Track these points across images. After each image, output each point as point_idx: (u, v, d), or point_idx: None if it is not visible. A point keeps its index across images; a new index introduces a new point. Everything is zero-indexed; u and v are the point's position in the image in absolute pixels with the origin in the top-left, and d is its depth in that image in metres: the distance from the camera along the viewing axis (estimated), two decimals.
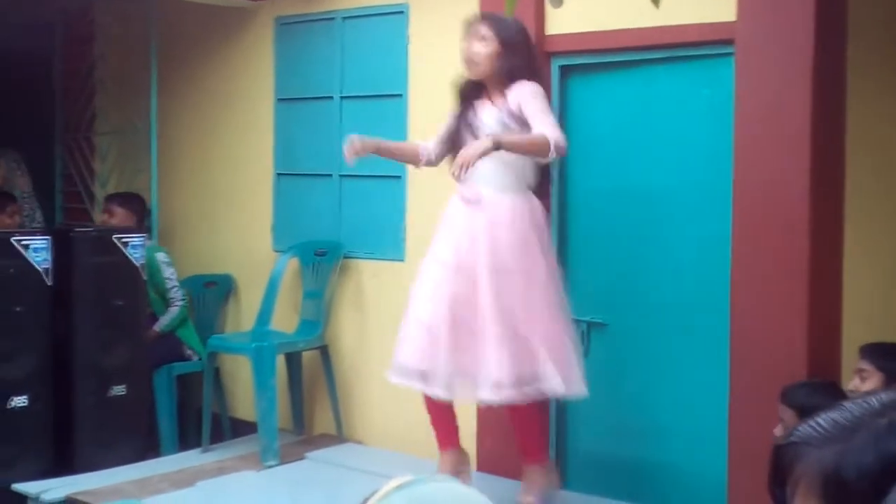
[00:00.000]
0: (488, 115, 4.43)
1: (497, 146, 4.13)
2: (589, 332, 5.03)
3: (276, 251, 6.09)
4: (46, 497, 4.96)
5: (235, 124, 6.46)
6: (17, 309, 5.25)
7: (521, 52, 4.43)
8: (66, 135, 7.33)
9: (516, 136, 4.28)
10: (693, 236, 4.71)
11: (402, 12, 5.59)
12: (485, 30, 4.42)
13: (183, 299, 6.19)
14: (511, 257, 4.32)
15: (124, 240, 5.62)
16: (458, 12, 5.31)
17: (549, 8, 4.94)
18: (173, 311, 6.16)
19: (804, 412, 3.56)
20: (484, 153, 4.11)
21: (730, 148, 4.44)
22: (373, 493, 1.28)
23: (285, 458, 5.42)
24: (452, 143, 4.54)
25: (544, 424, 4.83)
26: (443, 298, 4.35)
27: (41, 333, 5.35)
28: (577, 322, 5.05)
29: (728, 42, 4.44)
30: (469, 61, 4.45)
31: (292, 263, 5.91)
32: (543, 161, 4.34)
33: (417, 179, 5.50)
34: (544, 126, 4.27)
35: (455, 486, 1.30)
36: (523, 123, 4.34)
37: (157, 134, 6.59)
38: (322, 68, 5.98)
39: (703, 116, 4.68)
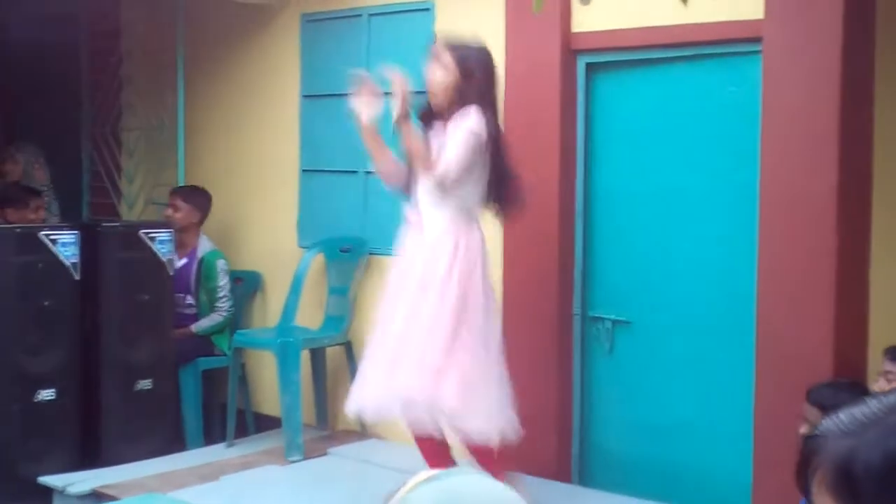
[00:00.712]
0: (435, 142, 4.42)
1: (401, 121, 4.23)
2: (613, 330, 5.03)
3: (302, 247, 6.11)
4: (73, 490, 5.01)
5: (261, 121, 6.48)
6: (46, 303, 5.29)
7: (479, 82, 4.38)
8: (94, 130, 7.38)
9: (416, 137, 4.31)
10: (719, 234, 4.70)
11: (427, 9, 5.60)
12: (447, 58, 4.39)
13: (229, 311, 6.21)
14: (433, 281, 4.29)
15: (151, 235, 5.66)
16: (484, 8, 5.34)
17: (575, 5, 4.95)
18: (216, 317, 6.18)
19: (829, 411, 3.52)
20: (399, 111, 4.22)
21: (757, 146, 4.43)
22: (401, 486, 1.29)
23: (309, 453, 5.44)
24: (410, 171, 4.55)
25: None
26: (387, 323, 4.45)
27: (69, 328, 5.39)
28: (602, 320, 5.06)
29: (755, 40, 4.43)
30: (429, 90, 4.44)
31: (317, 260, 5.93)
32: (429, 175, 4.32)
33: None
34: (447, 156, 4.26)
35: (482, 479, 1.31)
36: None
37: (184, 130, 6.63)
38: (348, 65, 5.96)
39: (729, 114, 4.66)
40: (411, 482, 1.29)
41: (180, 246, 6.18)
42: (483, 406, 4.30)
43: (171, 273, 5.81)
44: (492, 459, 4.37)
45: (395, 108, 4.26)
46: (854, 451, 1.24)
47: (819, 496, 1.26)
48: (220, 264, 6.22)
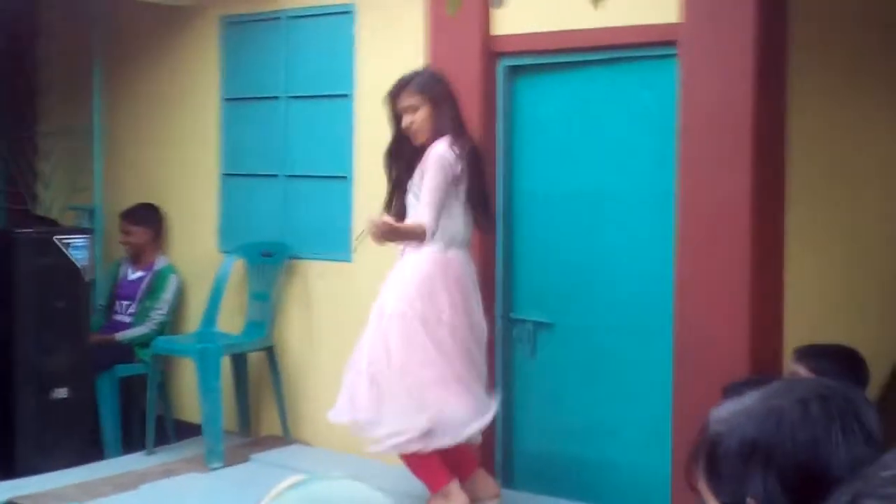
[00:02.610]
0: (416, 177, 4.49)
1: (383, 240, 4.33)
2: (535, 332, 5.05)
3: (223, 252, 6.05)
4: None
5: (181, 124, 6.40)
6: None
7: (449, 104, 4.50)
8: (10, 135, 7.22)
9: (400, 229, 4.38)
10: (637, 237, 4.75)
11: (348, 12, 5.58)
12: (411, 98, 4.48)
13: (159, 324, 6.13)
14: (393, 302, 4.42)
15: (66, 241, 5.56)
16: (405, 13, 5.33)
17: (493, 8, 4.97)
18: (142, 329, 6.10)
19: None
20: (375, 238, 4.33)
21: (673, 149, 4.48)
22: (267, 495, 1.28)
23: (230, 460, 5.38)
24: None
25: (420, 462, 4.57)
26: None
27: None
28: (523, 322, 5.08)
29: (670, 44, 4.48)
30: (415, 135, 4.50)
31: (238, 264, 5.87)
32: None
33: (364, 180, 5.49)
34: (423, 206, 4.37)
35: (350, 484, 1.29)
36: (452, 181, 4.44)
37: (102, 134, 6.52)
38: (268, 68, 5.94)
39: (646, 117, 4.71)
40: (276, 489, 1.28)
41: (137, 262, 6.32)
42: (391, 412, 4.38)
43: (88, 279, 5.72)
44: (427, 466, 4.44)
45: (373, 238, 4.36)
46: (719, 435, 1.34)
47: (699, 477, 1.37)
48: (172, 279, 6.19)
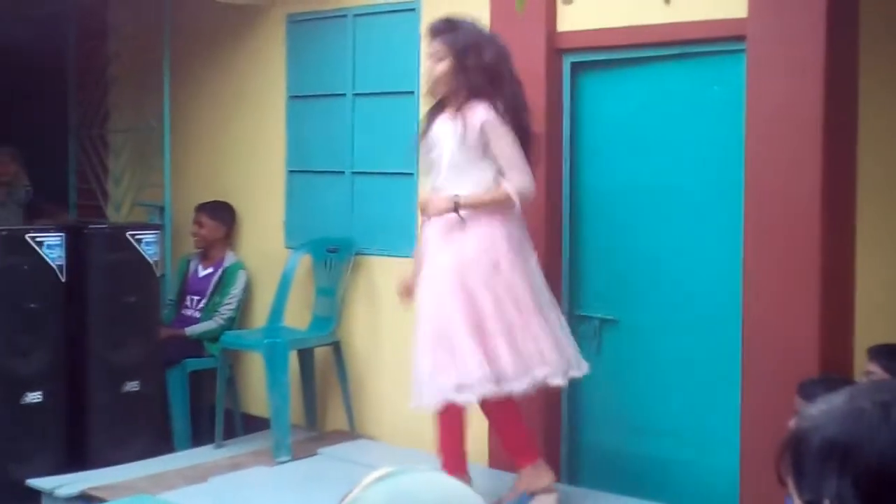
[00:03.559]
0: (444, 131, 4.43)
1: (456, 207, 4.27)
2: (601, 329, 5.04)
3: (289, 248, 6.11)
4: (61, 492, 4.99)
5: (248, 122, 6.47)
6: (32, 305, 5.29)
7: (478, 60, 4.36)
8: (80, 132, 7.36)
9: (477, 197, 4.33)
10: (705, 233, 4.71)
11: (413, 9, 5.60)
12: (438, 46, 4.39)
13: (226, 320, 6.21)
14: (448, 261, 4.35)
15: (138, 236, 5.66)
16: (469, 8, 5.33)
17: (560, 4, 4.96)
18: (210, 323, 6.19)
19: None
20: (444, 212, 4.29)
21: (741, 145, 4.44)
22: (355, 486, 1.30)
23: (298, 454, 5.44)
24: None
25: (529, 424, 4.67)
26: (421, 312, 4.48)
27: (55, 330, 5.39)
28: (589, 318, 5.07)
29: (739, 38, 4.44)
30: (432, 85, 4.46)
31: (305, 260, 5.93)
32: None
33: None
34: (511, 171, 4.33)
35: (435, 476, 1.31)
36: (483, 144, 4.35)
37: (171, 131, 6.62)
38: (334, 65, 5.99)
39: (714, 113, 4.67)
40: (364, 481, 1.30)
41: (206, 259, 6.41)
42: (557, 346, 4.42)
43: (159, 275, 5.82)
44: (517, 430, 4.56)
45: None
46: (804, 432, 1.33)
47: (786, 473, 1.36)
48: (241, 274, 6.28)
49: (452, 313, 4.30)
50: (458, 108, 4.39)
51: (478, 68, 4.34)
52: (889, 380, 1.37)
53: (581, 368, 4.51)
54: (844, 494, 1.28)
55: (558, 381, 4.40)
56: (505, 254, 4.37)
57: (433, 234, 4.48)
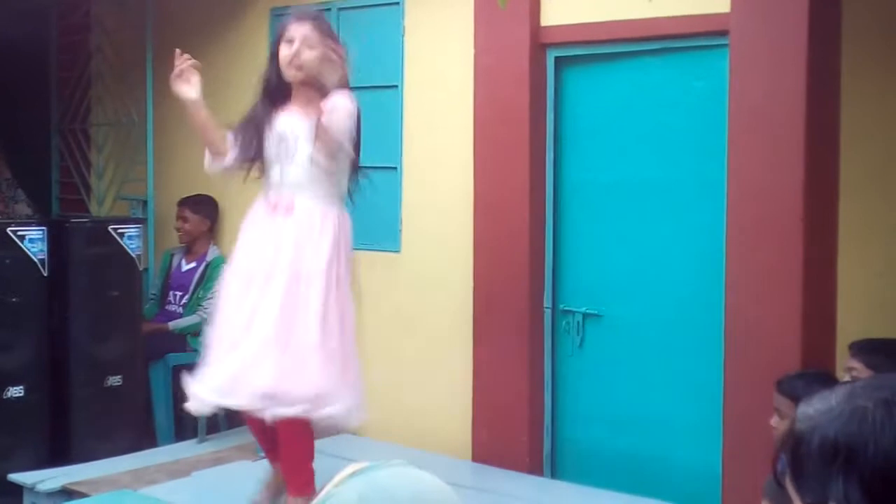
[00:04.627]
0: (298, 126, 4.17)
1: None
2: (584, 323, 5.05)
3: None
4: (43, 487, 4.96)
5: (232, 115, 6.41)
6: (14, 299, 5.26)
7: (341, 53, 4.16)
8: (62, 125, 7.33)
9: (332, 130, 4.03)
10: (687, 227, 4.73)
11: (397, 3, 5.59)
12: (310, 33, 4.14)
13: (209, 314, 6.16)
14: (317, 265, 4.08)
15: (120, 231, 5.63)
16: (453, 3, 5.34)
17: None
18: (194, 318, 6.17)
19: (801, 401, 3.56)
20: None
21: (724, 139, 4.45)
22: (329, 482, 1.29)
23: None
24: (254, 149, 4.30)
25: (310, 452, 4.41)
26: (233, 311, 4.16)
27: (37, 324, 5.36)
28: (572, 313, 5.07)
29: (722, 33, 4.45)
30: (294, 66, 4.15)
31: None
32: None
33: (413, 171, 5.51)
34: (338, 122, 4.04)
35: (412, 471, 1.30)
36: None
37: (153, 125, 6.59)
38: None
39: (697, 108, 4.68)
40: (339, 476, 1.29)
41: (190, 253, 6.39)
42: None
43: (141, 269, 5.80)
44: (305, 454, 4.34)
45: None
46: (803, 433, 1.31)
47: (784, 474, 1.34)
48: (223, 269, 6.22)
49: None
50: (311, 101, 4.15)
51: (342, 65, 4.14)
52: (886, 376, 1.35)
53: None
54: (851, 496, 1.26)
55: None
56: None
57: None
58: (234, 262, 4.29)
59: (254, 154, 4.30)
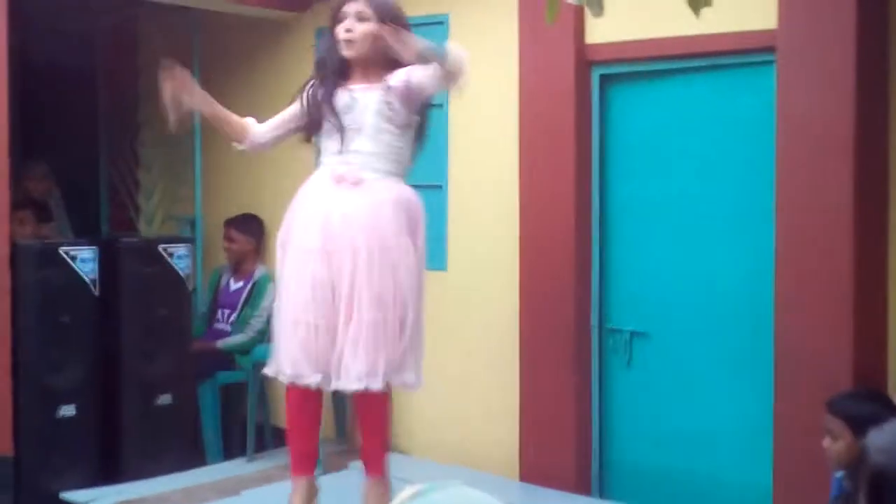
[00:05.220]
0: (363, 93, 4.08)
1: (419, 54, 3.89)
2: (631, 342, 5.03)
3: None
4: None
5: None
6: (65, 319, 5.32)
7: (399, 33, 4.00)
8: (111, 146, 7.42)
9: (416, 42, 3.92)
10: (735, 244, 4.69)
11: (442, 23, 5.61)
12: (362, 7, 4.09)
13: (258, 332, 6.22)
14: (392, 238, 4.01)
15: (170, 250, 5.69)
16: (498, 20, 5.35)
17: (589, 17, 4.96)
18: (241, 337, 6.22)
19: (854, 422, 3.53)
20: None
21: (772, 156, 4.42)
22: None
23: (329, 467, 5.45)
24: (308, 124, 4.24)
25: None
26: (308, 287, 4.02)
27: (88, 343, 5.42)
28: (620, 331, 5.05)
29: (769, 50, 4.43)
30: (347, 40, 4.08)
31: None
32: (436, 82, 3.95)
33: (458, 188, 5.52)
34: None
35: (469, 491, 1.30)
36: (409, 104, 4.06)
37: (201, 145, 6.66)
38: None
39: (744, 125, 4.66)
40: (397, 499, 1.29)
41: (238, 272, 6.44)
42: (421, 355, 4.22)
43: (190, 288, 5.85)
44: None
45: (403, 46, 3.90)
46: (886, 467, 1.30)
47: (840, 498, 1.34)
48: (270, 287, 6.26)
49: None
50: (377, 75, 4.11)
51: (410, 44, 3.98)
52: None
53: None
54: None
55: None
56: None
57: None
58: (298, 233, 4.14)
59: (311, 126, 4.24)
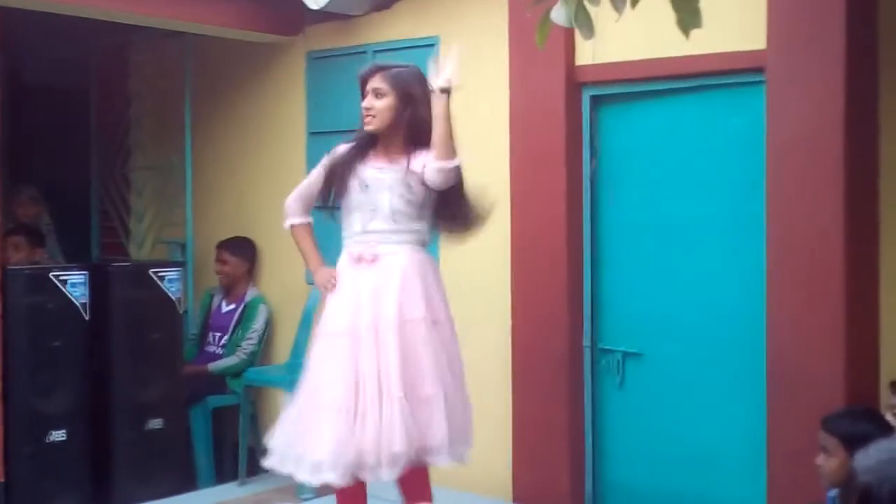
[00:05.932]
0: (381, 172, 4.11)
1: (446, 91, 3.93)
2: (624, 362, 5.02)
3: (310, 283, 6.11)
4: None
5: (269, 158, 6.51)
6: (56, 344, 5.31)
7: (421, 103, 4.08)
8: (103, 170, 7.43)
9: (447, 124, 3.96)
10: (726, 264, 4.70)
11: (432, 45, 5.63)
12: (379, 82, 4.13)
13: (249, 355, 6.23)
14: (416, 312, 4.01)
15: (160, 274, 5.68)
16: (488, 43, 5.37)
17: (579, 38, 4.98)
18: (233, 359, 6.22)
19: (848, 440, 3.54)
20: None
21: (762, 176, 4.44)
22: None
23: (321, 491, 5.40)
24: (335, 192, 4.27)
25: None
26: (348, 375, 3.95)
27: (79, 368, 5.41)
28: (612, 352, 5.05)
29: (758, 70, 4.45)
30: (365, 115, 4.14)
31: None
32: (445, 167, 3.98)
33: None
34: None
35: None
36: (427, 186, 4.08)
37: (192, 169, 6.67)
38: (353, 102, 5.95)
39: (734, 145, 4.67)
40: None
41: (230, 295, 6.45)
42: (469, 425, 4.19)
43: (181, 311, 5.84)
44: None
45: (446, 74, 3.93)
46: (871, 485, 1.30)
47: None
48: (262, 309, 6.31)
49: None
50: (400, 150, 4.14)
51: (423, 109, 4.07)
52: None
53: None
54: None
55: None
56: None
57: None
58: (324, 323, 4.14)
59: (332, 201, 4.30)
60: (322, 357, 4.05)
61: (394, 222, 4.09)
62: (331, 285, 4.14)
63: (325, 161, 4.31)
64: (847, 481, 3.42)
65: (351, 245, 4.16)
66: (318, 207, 4.46)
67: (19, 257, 6.25)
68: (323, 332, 4.11)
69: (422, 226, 4.17)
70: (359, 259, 4.10)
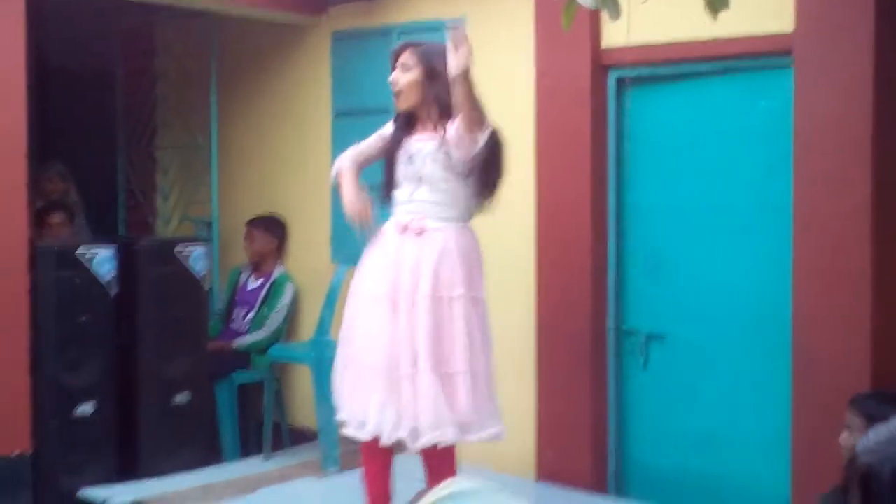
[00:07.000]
0: (423, 143, 4.18)
1: (465, 73, 3.91)
2: (648, 344, 5.05)
3: (335, 262, 6.16)
4: (113, 502, 5.06)
5: (294, 138, 6.55)
6: (83, 319, 5.36)
7: (445, 80, 4.04)
8: (129, 148, 7.48)
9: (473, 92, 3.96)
10: (753, 247, 4.71)
11: (457, 27, 5.63)
12: (407, 57, 4.21)
13: (275, 332, 6.29)
14: (456, 288, 4.06)
15: (186, 251, 5.73)
16: (514, 24, 5.39)
17: (605, 20, 4.99)
18: (257, 335, 6.27)
19: (873, 421, 3.56)
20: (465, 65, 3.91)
21: (789, 159, 4.45)
22: (420, 496, 1.31)
23: (346, 465, 5.47)
24: (385, 174, 4.33)
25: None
26: (386, 337, 4.05)
27: (105, 343, 5.46)
28: (636, 333, 5.08)
29: (786, 53, 4.45)
30: (394, 92, 4.23)
31: (351, 274, 5.97)
32: (473, 141, 4.02)
33: None
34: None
35: (502, 498, 1.32)
36: (465, 153, 4.08)
37: (218, 148, 6.71)
38: (379, 82, 5.99)
39: (761, 128, 4.68)
40: (431, 495, 1.30)
41: (257, 271, 6.50)
42: (495, 404, 4.23)
43: (206, 288, 5.89)
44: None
45: (459, 59, 3.90)
46: (870, 466, 1.32)
47: None
48: (288, 286, 6.36)
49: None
50: (434, 123, 4.18)
51: (446, 85, 4.07)
52: None
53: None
54: None
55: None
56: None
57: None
58: (364, 283, 4.23)
59: (386, 179, 4.34)
60: (363, 317, 4.15)
61: (439, 192, 4.15)
62: (360, 216, 4.17)
63: (380, 132, 4.40)
64: (848, 463, 3.44)
65: (399, 213, 4.22)
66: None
67: (62, 234, 6.34)
68: (362, 290, 4.20)
69: (466, 198, 4.20)
70: (405, 228, 4.15)
